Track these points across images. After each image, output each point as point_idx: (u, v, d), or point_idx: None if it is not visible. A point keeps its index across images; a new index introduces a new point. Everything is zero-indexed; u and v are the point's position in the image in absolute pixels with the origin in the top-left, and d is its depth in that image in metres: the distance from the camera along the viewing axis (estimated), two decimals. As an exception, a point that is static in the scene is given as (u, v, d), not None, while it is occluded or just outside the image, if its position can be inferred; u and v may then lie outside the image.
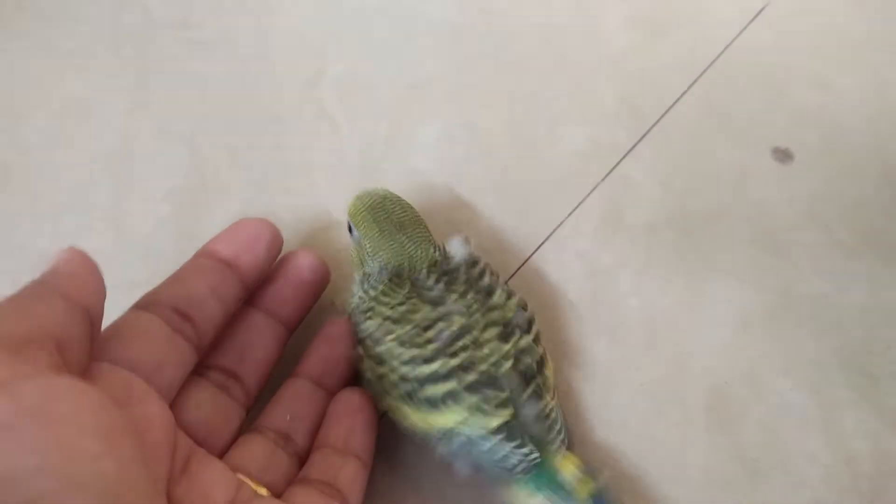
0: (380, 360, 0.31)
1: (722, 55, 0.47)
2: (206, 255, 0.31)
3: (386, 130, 0.44)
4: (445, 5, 0.50)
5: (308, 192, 0.41)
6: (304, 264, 0.34)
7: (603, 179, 0.42)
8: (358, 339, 0.33)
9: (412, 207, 0.35)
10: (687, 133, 0.44)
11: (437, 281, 0.32)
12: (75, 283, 0.24)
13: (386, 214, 0.34)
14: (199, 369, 0.30)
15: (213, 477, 0.27)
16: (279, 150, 0.43)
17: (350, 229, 0.35)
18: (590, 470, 0.31)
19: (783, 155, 0.43)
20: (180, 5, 0.49)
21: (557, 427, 0.31)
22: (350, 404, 0.32)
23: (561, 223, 0.41)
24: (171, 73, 0.46)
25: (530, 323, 0.33)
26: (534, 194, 0.42)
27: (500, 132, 0.44)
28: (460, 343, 0.30)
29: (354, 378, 0.34)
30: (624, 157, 0.43)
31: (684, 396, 0.36)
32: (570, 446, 0.32)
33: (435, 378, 0.30)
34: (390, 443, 0.34)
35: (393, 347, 0.31)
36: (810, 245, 0.41)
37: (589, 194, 0.41)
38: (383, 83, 0.46)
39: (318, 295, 0.35)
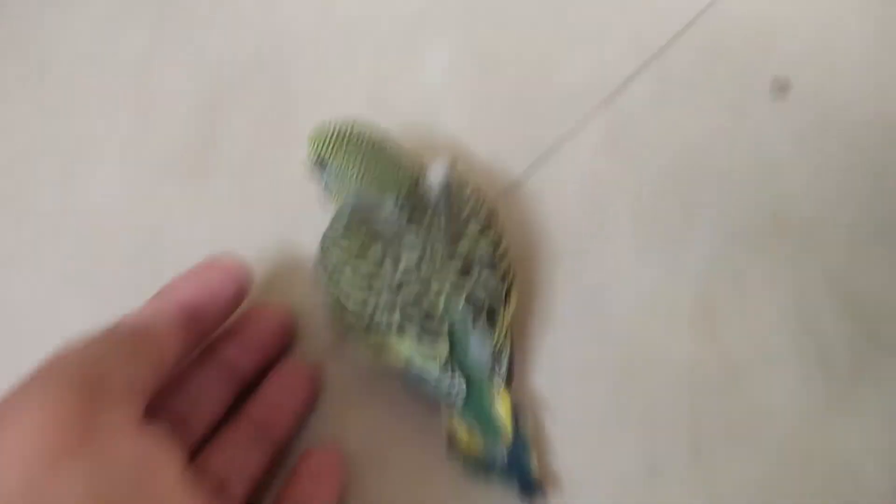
0: (337, 294, 0.34)
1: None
2: (166, 303, 0.31)
3: (396, 51, 0.46)
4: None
5: (321, 101, 0.44)
6: (271, 323, 0.34)
7: (604, 102, 0.44)
8: (317, 268, 0.35)
9: (380, 129, 0.36)
10: (688, 63, 0.46)
11: (402, 209, 0.34)
12: (162, 345, 0.27)
13: (359, 137, 0.35)
14: (150, 409, 0.30)
15: None
16: (292, 69, 0.45)
17: (321, 163, 0.35)
18: (520, 415, 0.33)
19: (781, 86, 0.45)
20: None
21: (502, 363, 0.33)
22: (318, 467, 0.32)
23: (562, 140, 0.43)
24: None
25: (496, 261, 0.34)
26: (537, 113, 0.44)
27: (507, 54, 0.46)
28: (407, 280, 0.32)
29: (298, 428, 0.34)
30: (626, 82, 0.45)
31: (671, 301, 0.39)
32: (509, 383, 0.34)
33: (380, 313, 0.32)
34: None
35: (346, 284, 0.33)
36: (803, 170, 0.43)
37: (590, 116, 0.44)
38: (395, 4, 0.48)
39: (284, 349, 0.35)
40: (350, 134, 0.35)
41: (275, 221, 0.41)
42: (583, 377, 0.37)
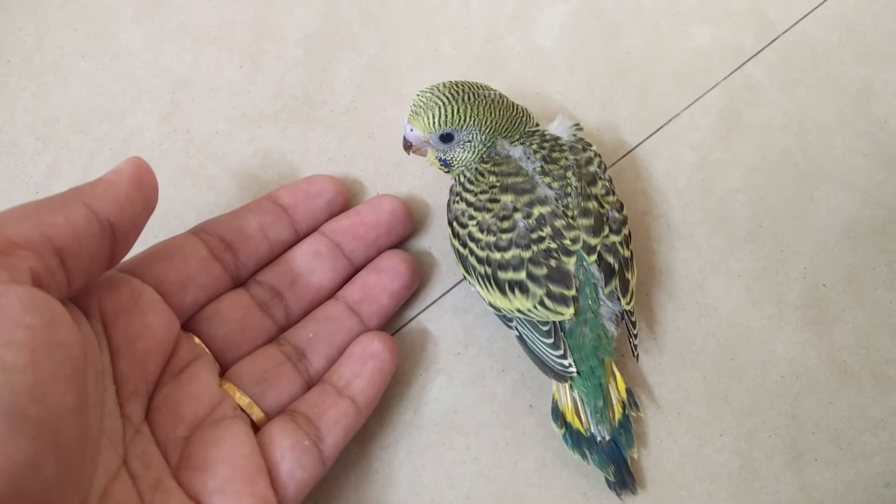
0: (463, 242, 0.31)
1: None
2: (266, 199, 0.33)
3: (514, 6, 0.44)
4: None
5: (431, 54, 0.42)
6: (384, 206, 0.34)
7: (725, 78, 0.42)
8: (448, 220, 0.33)
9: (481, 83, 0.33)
10: (815, 45, 0.43)
11: (537, 151, 0.31)
12: (105, 196, 0.25)
13: (470, 89, 0.31)
14: (249, 283, 0.32)
15: (196, 389, 0.28)
16: (409, 13, 0.43)
17: (447, 137, 0.31)
18: (632, 400, 0.31)
19: (913, 77, 0.42)
20: None
21: (635, 332, 0.31)
22: (366, 348, 0.31)
23: (678, 114, 0.41)
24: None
25: (622, 224, 0.31)
26: (653, 84, 0.42)
27: (627, 21, 0.43)
28: (537, 234, 0.29)
29: (393, 313, 0.34)
30: (748, 60, 0.42)
31: (780, 292, 0.36)
32: (636, 356, 0.32)
33: (506, 266, 0.29)
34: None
35: (474, 232, 0.31)
36: (930, 167, 0.40)
37: (709, 91, 0.41)
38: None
39: (397, 237, 0.35)
40: (460, 90, 0.31)
41: (374, 173, 0.39)
42: (682, 364, 0.35)
